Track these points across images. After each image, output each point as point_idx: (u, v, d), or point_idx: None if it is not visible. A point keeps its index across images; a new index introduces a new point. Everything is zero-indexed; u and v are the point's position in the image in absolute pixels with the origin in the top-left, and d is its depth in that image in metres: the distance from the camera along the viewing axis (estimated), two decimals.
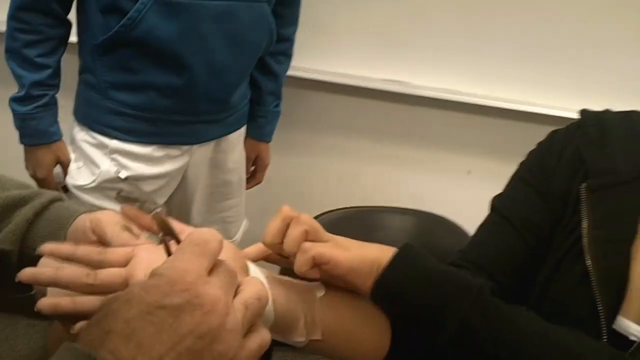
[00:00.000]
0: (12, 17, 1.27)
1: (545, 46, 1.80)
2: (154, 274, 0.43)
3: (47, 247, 0.57)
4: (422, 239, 1.26)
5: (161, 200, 1.45)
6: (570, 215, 0.74)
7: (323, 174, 2.04)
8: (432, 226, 1.29)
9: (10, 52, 1.29)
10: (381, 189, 2.03)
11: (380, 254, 0.65)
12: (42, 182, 1.38)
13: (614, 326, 0.67)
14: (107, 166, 1.35)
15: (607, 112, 0.80)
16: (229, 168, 1.54)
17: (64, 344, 0.39)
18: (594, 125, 0.77)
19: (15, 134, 1.36)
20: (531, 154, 0.83)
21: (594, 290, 0.68)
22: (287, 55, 1.58)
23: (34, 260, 0.59)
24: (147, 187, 1.39)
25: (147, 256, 0.56)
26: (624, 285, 0.67)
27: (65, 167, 1.40)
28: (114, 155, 1.35)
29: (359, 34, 1.83)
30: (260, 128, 1.59)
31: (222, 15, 1.27)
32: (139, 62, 1.28)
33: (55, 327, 1.46)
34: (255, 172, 1.67)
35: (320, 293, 0.65)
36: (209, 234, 0.47)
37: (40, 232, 0.63)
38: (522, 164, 0.83)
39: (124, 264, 0.56)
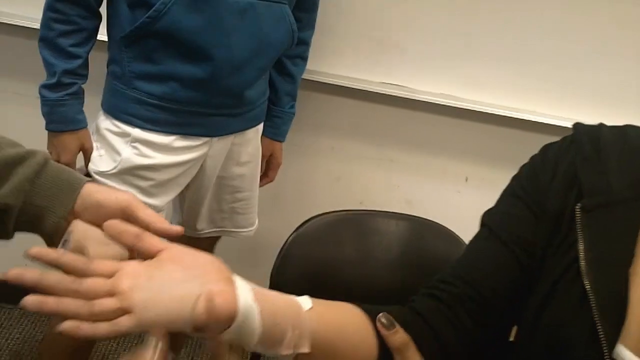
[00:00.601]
0: (49, 7, 1.31)
1: (546, 55, 1.80)
2: None
3: (33, 250, 0.59)
4: (416, 245, 1.23)
5: (179, 188, 1.49)
6: (564, 234, 0.71)
7: (321, 175, 2.02)
8: (426, 232, 1.27)
9: (45, 41, 1.33)
10: (378, 193, 2.03)
11: None
12: None
13: (614, 355, 0.63)
14: (127, 154, 1.39)
15: (601, 127, 0.76)
16: (242, 161, 1.57)
17: None
18: (588, 141, 0.74)
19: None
20: (523, 168, 0.80)
21: (594, 314, 0.64)
22: (304, 58, 1.63)
23: (33, 216, 0.66)
24: (165, 175, 1.43)
25: (133, 270, 0.58)
26: (624, 311, 0.64)
27: (87, 154, 1.44)
28: (135, 144, 1.39)
29: (361, 37, 1.82)
30: (275, 128, 1.65)
31: (244, 12, 1.31)
32: (163, 54, 1.33)
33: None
34: (267, 170, 1.71)
35: (308, 307, 0.65)
36: None
37: (43, 189, 0.67)
38: (514, 179, 0.80)
39: (109, 276, 0.58)
